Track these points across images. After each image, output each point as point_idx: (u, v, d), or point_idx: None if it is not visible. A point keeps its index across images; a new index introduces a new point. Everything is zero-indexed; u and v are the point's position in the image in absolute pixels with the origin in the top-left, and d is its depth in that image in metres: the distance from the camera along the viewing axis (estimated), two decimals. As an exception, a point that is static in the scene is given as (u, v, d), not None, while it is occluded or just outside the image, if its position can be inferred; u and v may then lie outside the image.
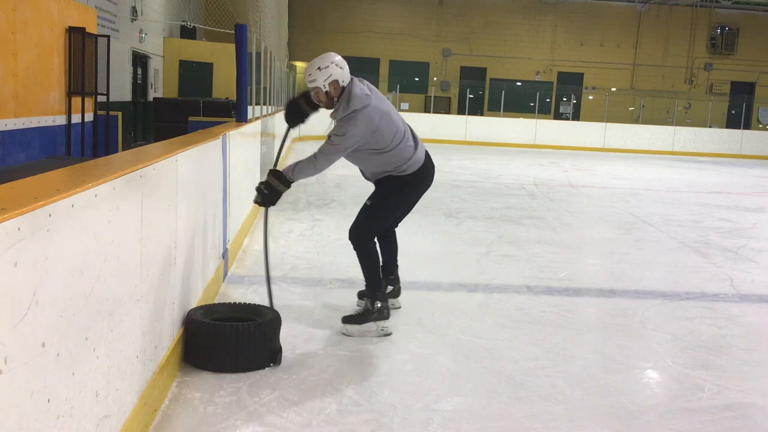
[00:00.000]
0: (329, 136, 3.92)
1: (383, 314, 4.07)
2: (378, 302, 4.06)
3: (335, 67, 3.86)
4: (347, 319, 4.05)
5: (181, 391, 3.10)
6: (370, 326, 4.02)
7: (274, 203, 3.94)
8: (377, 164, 4.00)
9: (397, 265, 4.47)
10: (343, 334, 3.98)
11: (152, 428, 2.76)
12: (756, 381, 3.65)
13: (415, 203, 4.29)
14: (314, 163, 3.88)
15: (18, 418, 1.57)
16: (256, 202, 3.96)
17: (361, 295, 4.48)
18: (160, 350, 2.97)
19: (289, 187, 3.90)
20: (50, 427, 1.76)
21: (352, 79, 3.92)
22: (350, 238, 4.13)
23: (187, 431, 2.77)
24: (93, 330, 2.06)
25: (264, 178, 3.93)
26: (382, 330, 4.02)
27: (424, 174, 4.13)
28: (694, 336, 4.28)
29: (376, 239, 4.24)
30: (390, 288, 4.41)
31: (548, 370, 3.60)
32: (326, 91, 3.89)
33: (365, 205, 4.13)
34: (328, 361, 3.57)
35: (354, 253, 4.11)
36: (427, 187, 4.21)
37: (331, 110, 3.97)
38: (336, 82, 3.87)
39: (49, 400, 1.74)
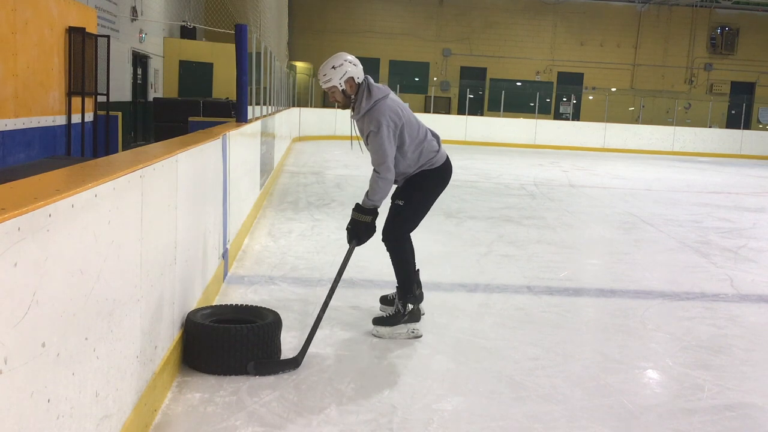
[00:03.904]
0: (366, 142, 3.93)
1: (414, 316, 4.06)
2: (409, 304, 4.05)
3: (349, 65, 3.89)
4: (378, 321, 4.04)
5: (181, 391, 3.10)
6: (401, 328, 4.00)
7: (363, 237, 3.93)
8: (412, 161, 4.01)
9: (417, 270, 4.40)
10: (374, 335, 3.97)
11: (152, 428, 2.76)
12: (756, 381, 3.65)
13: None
14: (378, 176, 3.88)
15: (18, 418, 1.57)
16: (349, 242, 3.97)
17: (383, 300, 4.45)
18: (160, 350, 2.97)
19: (373, 214, 3.90)
20: (50, 427, 1.76)
21: (366, 76, 3.96)
22: (385, 240, 4.09)
23: (187, 431, 2.77)
24: (93, 330, 2.06)
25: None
26: (413, 332, 4.00)
27: (449, 168, 4.19)
28: (694, 336, 4.28)
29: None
30: (409, 306, 4.35)
31: (548, 370, 3.60)
32: (342, 90, 3.90)
33: (396, 204, 4.09)
34: (328, 361, 3.57)
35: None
36: (449, 179, 4.23)
37: (352, 112, 3.99)
38: (351, 79, 3.89)
39: (49, 400, 1.74)
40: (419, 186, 4.07)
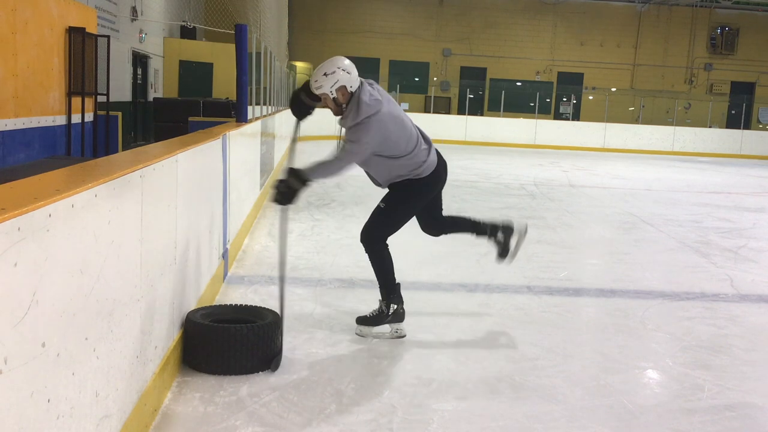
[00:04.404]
0: (344, 143, 3.84)
1: (398, 317, 4.04)
2: (393, 305, 4.03)
3: (342, 73, 3.72)
4: (361, 320, 4.04)
5: (181, 391, 3.10)
6: (385, 328, 4.00)
7: (291, 201, 3.78)
8: (392, 170, 3.92)
9: (479, 222, 4.41)
10: (357, 335, 3.97)
11: (152, 428, 2.76)
12: (756, 381, 3.65)
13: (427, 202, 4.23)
14: (330, 166, 3.80)
15: (18, 418, 1.57)
16: (273, 200, 3.80)
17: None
18: (160, 350, 2.97)
19: (305, 185, 3.75)
20: (50, 427, 1.76)
21: (361, 83, 3.80)
22: (362, 241, 4.05)
23: (187, 431, 2.77)
24: (93, 330, 2.06)
25: (283, 177, 3.77)
26: (397, 332, 4.00)
27: (438, 176, 4.07)
28: (694, 336, 4.28)
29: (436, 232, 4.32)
30: (500, 231, 4.40)
31: (548, 370, 3.60)
32: (334, 98, 3.77)
33: (378, 207, 4.03)
34: (328, 361, 3.57)
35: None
36: (442, 186, 4.17)
37: (339, 117, 3.87)
38: (344, 87, 3.74)
39: (49, 400, 1.74)
40: (403, 193, 4.00)
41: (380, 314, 4.01)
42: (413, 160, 3.91)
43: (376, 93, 3.81)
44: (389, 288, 4.06)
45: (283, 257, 3.94)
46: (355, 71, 3.79)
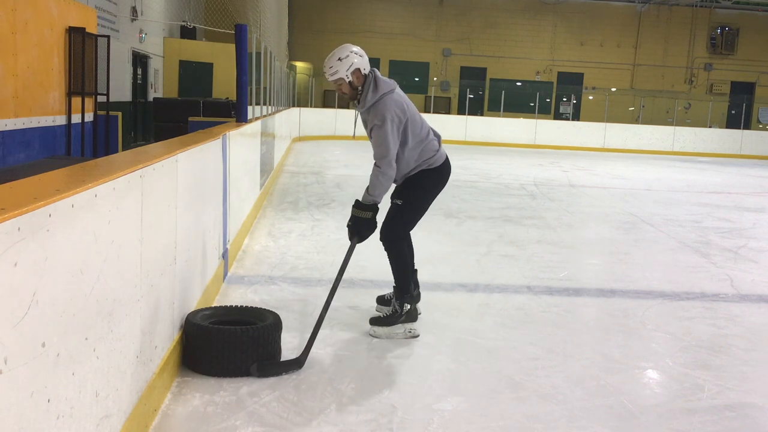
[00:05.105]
0: (370, 135, 3.91)
1: (411, 316, 4.05)
2: (407, 304, 4.04)
3: (355, 56, 3.86)
4: (375, 321, 4.03)
5: (181, 391, 3.10)
6: (398, 328, 4.00)
7: (364, 234, 3.90)
8: (410, 160, 3.98)
9: (415, 270, 4.37)
10: (371, 335, 3.96)
11: (152, 428, 2.76)
12: (756, 381, 3.65)
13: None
14: (378, 170, 3.85)
15: (18, 418, 1.57)
16: (350, 239, 3.94)
17: (380, 300, 4.42)
18: (160, 350, 2.97)
19: (373, 210, 3.87)
20: (50, 427, 1.76)
21: (372, 68, 3.93)
22: (382, 239, 4.07)
23: (187, 431, 2.77)
24: (93, 330, 2.06)
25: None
26: (410, 332, 3.99)
27: (447, 166, 4.16)
28: (694, 336, 4.28)
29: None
30: (406, 304, 4.33)
31: (548, 370, 3.60)
32: (350, 81, 3.87)
33: (395, 204, 4.07)
34: (328, 361, 3.57)
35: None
36: (448, 179, 4.21)
37: (355, 101, 3.96)
38: (358, 70, 3.86)
39: (49, 400, 1.74)
40: (418, 186, 4.05)
41: (394, 314, 4.02)
42: (429, 147, 4.02)
43: (387, 78, 3.96)
44: (404, 287, 4.07)
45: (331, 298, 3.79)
46: (366, 55, 3.92)
